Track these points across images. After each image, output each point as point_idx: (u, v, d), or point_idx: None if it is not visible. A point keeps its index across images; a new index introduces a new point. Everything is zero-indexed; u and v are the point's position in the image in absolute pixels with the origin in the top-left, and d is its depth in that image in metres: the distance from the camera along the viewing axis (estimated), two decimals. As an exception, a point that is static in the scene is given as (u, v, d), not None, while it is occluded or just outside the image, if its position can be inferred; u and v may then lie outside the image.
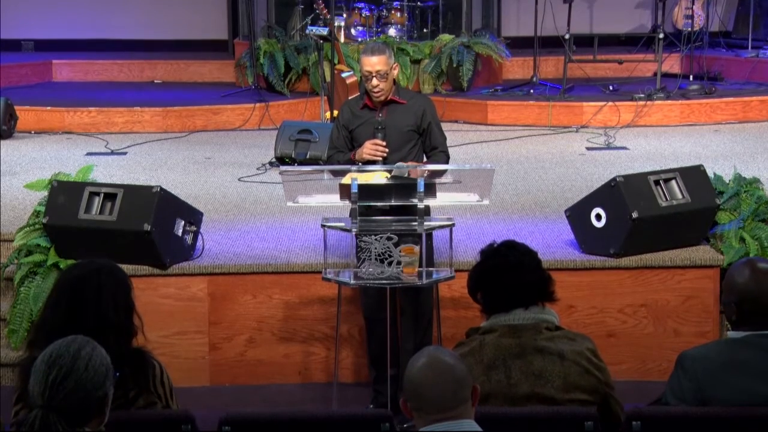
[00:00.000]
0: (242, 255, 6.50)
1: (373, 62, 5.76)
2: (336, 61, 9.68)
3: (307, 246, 6.63)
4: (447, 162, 5.86)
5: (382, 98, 5.83)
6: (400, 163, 5.68)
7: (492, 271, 3.96)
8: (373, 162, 5.73)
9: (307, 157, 8.66)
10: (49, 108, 10.76)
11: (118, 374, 3.17)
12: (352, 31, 12.08)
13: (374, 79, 5.77)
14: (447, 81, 11.53)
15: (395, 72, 5.86)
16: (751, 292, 3.80)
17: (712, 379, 3.74)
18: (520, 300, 3.91)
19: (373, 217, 5.49)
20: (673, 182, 6.40)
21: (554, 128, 10.52)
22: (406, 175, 5.55)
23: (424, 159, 5.93)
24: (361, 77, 5.97)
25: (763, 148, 9.43)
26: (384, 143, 5.75)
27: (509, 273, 3.92)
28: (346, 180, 5.41)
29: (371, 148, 5.74)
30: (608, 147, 9.67)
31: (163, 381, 3.82)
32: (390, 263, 5.20)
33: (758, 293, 3.79)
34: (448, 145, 6.01)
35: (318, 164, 7.96)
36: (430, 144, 5.89)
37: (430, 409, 3.17)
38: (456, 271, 5.44)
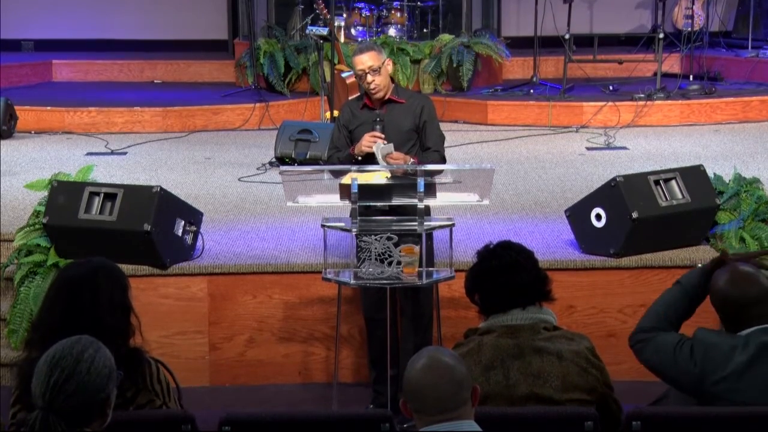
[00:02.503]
0: (242, 255, 6.50)
1: (364, 60, 5.80)
2: (336, 61, 9.68)
3: (307, 246, 6.63)
4: (441, 163, 5.84)
5: (380, 94, 5.84)
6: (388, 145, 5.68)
7: (488, 272, 3.96)
8: (373, 155, 5.73)
9: (307, 157, 8.66)
10: (49, 108, 10.76)
11: (121, 373, 3.17)
12: (352, 31, 12.08)
13: (368, 75, 5.79)
14: (447, 81, 11.53)
15: (389, 67, 5.87)
16: (730, 295, 3.86)
17: (718, 373, 3.77)
18: (517, 300, 3.92)
19: (373, 217, 5.49)
20: (673, 182, 6.40)
21: (554, 128, 10.52)
22: (389, 151, 5.58)
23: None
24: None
25: (763, 148, 9.43)
26: (383, 135, 5.75)
27: (505, 273, 3.93)
28: (346, 180, 5.41)
29: (369, 140, 5.73)
30: (608, 147, 9.67)
31: (160, 378, 3.82)
32: (390, 263, 5.20)
33: (737, 296, 3.85)
34: (447, 145, 6.00)
35: (318, 164, 7.96)
36: (423, 142, 5.89)
37: (431, 410, 3.17)
38: (456, 271, 5.44)
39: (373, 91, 5.83)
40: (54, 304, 3.77)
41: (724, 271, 3.94)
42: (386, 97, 5.87)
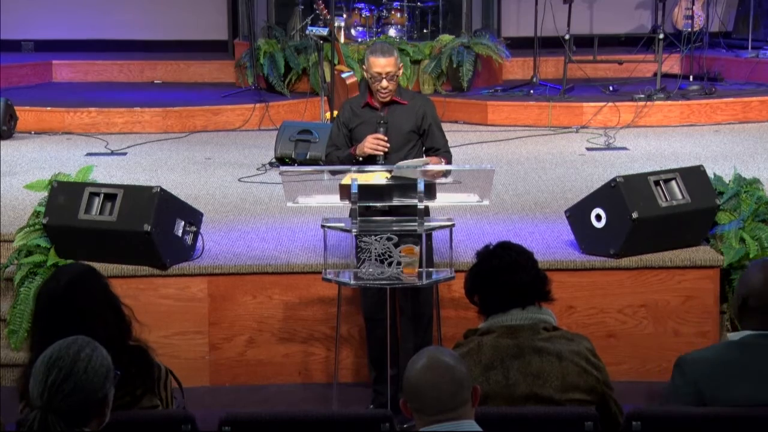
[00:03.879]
0: (242, 255, 6.50)
1: (383, 64, 5.74)
2: (336, 62, 9.68)
3: (307, 246, 6.63)
4: (450, 163, 5.86)
5: (388, 98, 5.83)
6: (404, 162, 5.66)
7: (488, 272, 3.97)
8: (374, 157, 5.72)
9: (307, 157, 8.66)
10: (49, 108, 10.76)
11: (119, 373, 3.16)
12: (352, 31, 12.08)
13: (384, 80, 5.75)
14: (447, 81, 11.53)
15: (400, 72, 5.86)
16: (759, 289, 3.78)
17: (711, 382, 3.73)
18: (517, 300, 3.92)
19: (373, 218, 5.49)
20: (673, 183, 6.40)
21: (554, 128, 10.52)
22: (421, 165, 5.58)
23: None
24: (361, 77, 5.96)
25: (763, 148, 9.43)
26: (386, 138, 5.74)
27: (505, 274, 3.93)
28: (346, 180, 5.41)
29: (373, 142, 5.73)
30: (608, 147, 9.67)
31: (166, 384, 3.84)
32: (390, 264, 5.20)
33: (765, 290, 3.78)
34: (448, 145, 6.01)
35: (318, 164, 7.96)
36: (431, 145, 5.89)
37: (431, 410, 3.17)
38: (456, 271, 5.44)
39: (383, 96, 5.80)
40: (47, 332, 3.72)
41: (759, 264, 3.86)
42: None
